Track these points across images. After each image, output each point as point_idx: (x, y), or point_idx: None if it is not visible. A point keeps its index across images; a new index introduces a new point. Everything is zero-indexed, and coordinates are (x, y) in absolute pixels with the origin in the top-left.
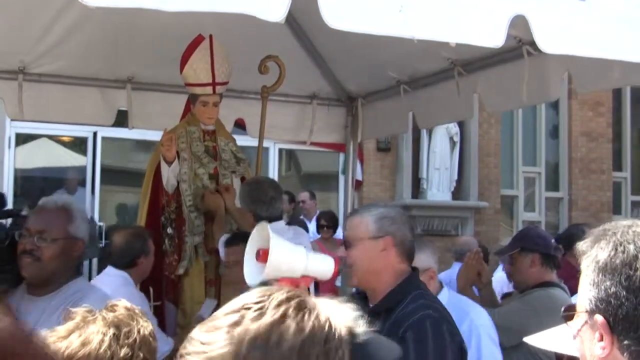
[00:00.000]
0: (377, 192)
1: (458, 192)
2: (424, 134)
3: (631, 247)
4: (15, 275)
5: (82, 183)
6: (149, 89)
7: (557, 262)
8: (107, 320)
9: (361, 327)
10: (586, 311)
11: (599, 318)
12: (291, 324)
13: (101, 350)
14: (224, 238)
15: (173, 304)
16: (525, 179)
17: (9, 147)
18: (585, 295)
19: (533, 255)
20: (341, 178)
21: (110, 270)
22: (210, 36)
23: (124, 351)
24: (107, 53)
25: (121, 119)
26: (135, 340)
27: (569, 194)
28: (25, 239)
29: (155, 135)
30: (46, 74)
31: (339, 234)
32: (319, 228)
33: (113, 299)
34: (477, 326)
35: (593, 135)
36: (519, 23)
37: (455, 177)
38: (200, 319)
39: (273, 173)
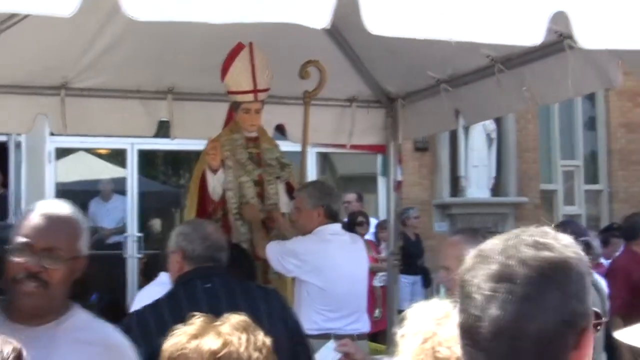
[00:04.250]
0: (417, 192)
1: (497, 188)
2: (461, 132)
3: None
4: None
5: (122, 193)
6: (190, 99)
7: None
8: (235, 325)
9: None
10: None
11: None
12: None
13: (242, 349)
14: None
15: None
16: (564, 173)
17: (49, 161)
18: None
19: None
20: (380, 180)
21: (163, 277)
22: (250, 44)
23: (256, 355)
24: (147, 65)
25: (160, 130)
26: (263, 343)
27: (609, 187)
28: (24, 256)
29: (191, 145)
30: (88, 88)
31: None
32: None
33: None
34: None
35: (632, 126)
36: (560, 17)
37: (494, 173)
38: None
39: (311, 177)
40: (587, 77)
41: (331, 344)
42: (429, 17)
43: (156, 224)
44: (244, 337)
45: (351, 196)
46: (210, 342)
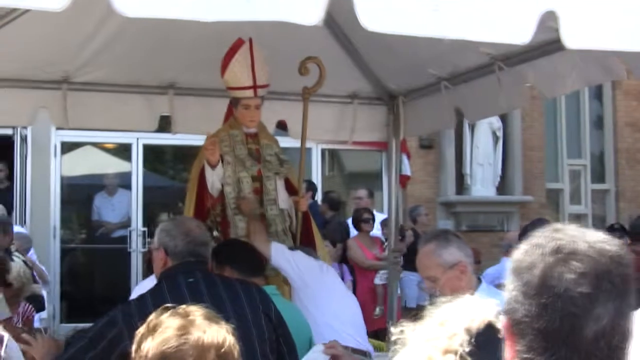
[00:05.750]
0: (422, 189)
1: (502, 187)
2: (467, 130)
3: (538, 251)
4: None
5: (128, 188)
6: (190, 94)
7: None
8: (207, 316)
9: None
10: (502, 311)
11: (503, 319)
12: None
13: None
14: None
15: None
16: (570, 172)
17: (55, 155)
18: (505, 295)
19: None
20: (384, 176)
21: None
22: (250, 39)
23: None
24: (148, 59)
25: (163, 125)
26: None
27: (616, 186)
28: None
29: (196, 140)
30: (89, 83)
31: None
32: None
33: None
34: None
35: (639, 125)
36: (550, 17)
37: (499, 172)
38: None
39: (316, 173)
40: (591, 71)
41: (319, 347)
42: (425, 14)
43: (161, 218)
44: (230, 328)
45: (362, 192)
46: (212, 336)
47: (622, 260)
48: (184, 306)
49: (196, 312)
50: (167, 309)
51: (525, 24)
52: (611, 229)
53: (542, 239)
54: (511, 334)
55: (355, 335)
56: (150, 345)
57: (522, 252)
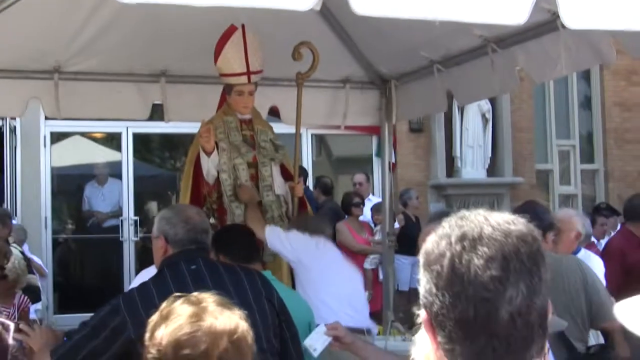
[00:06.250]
0: (412, 173)
1: (493, 169)
2: (456, 113)
3: (444, 241)
4: None
5: (119, 177)
6: (183, 82)
7: None
8: (220, 302)
9: None
10: (421, 305)
11: (422, 313)
12: None
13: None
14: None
15: None
16: (559, 153)
17: (45, 145)
18: (420, 289)
19: None
20: (375, 161)
21: None
22: (243, 26)
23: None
24: (140, 48)
25: (155, 113)
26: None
27: (605, 166)
28: None
29: (186, 128)
30: (81, 72)
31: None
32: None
33: None
34: None
35: (627, 104)
36: None
37: (489, 154)
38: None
39: (307, 159)
40: (582, 55)
41: (321, 328)
42: None
43: (152, 207)
44: (243, 314)
45: (361, 177)
46: (225, 322)
47: (527, 238)
48: (195, 293)
49: (208, 299)
50: (179, 297)
51: (521, 3)
52: (598, 209)
53: (448, 228)
54: (431, 326)
55: (354, 313)
56: (163, 333)
57: (430, 243)
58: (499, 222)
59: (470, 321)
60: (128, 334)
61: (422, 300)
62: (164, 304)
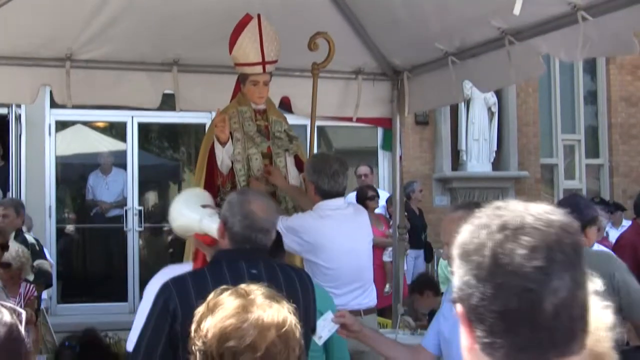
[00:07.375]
0: (417, 165)
1: (498, 162)
2: (462, 106)
3: (484, 232)
4: None
5: (123, 167)
6: (195, 71)
7: None
8: (269, 295)
9: None
10: (454, 299)
11: (458, 307)
12: None
13: (295, 322)
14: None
15: None
16: (564, 147)
17: (49, 134)
18: (455, 281)
19: None
20: (380, 153)
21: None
22: (259, 15)
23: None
24: (152, 36)
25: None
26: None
27: (610, 161)
28: None
29: (191, 118)
30: (93, 60)
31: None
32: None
33: None
34: None
35: (633, 99)
36: None
37: (495, 147)
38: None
39: (314, 151)
40: (603, 44)
41: (328, 315)
42: None
43: (156, 197)
44: (292, 307)
45: (365, 169)
46: (273, 315)
47: (570, 229)
48: (243, 285)
49: (256, 291)
50: (226, 288)
51: None
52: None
53: (486, 218)
54: (468, 320)
55: (358, 292)
56: (209, 325)
57: (467, 234)
58: (539, 212)
59: (514, 313)
60: (175, 325)
61: (457, 293)
62: (211, 295)
